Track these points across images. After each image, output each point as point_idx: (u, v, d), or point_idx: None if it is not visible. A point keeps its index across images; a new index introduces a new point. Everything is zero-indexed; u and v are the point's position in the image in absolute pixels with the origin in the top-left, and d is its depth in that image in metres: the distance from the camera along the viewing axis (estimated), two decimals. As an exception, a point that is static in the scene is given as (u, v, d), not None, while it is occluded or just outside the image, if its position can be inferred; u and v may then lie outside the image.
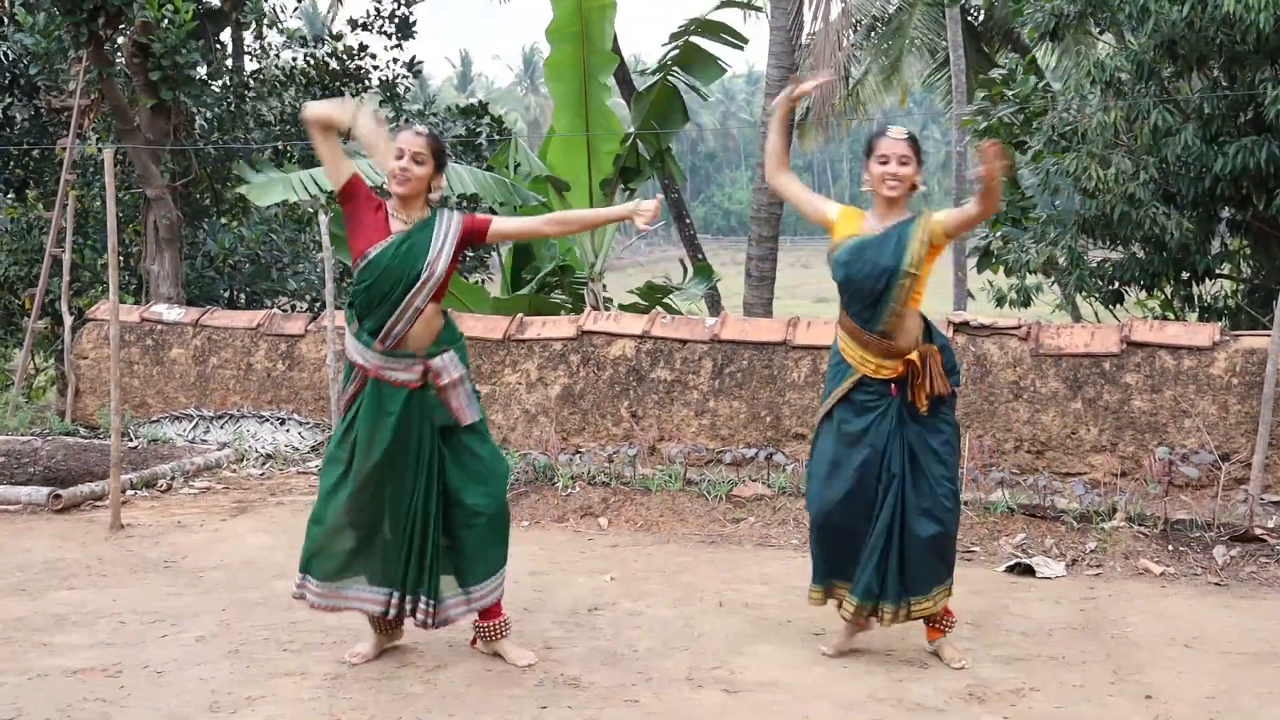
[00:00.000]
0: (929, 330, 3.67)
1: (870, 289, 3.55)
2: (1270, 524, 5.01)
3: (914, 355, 3.54)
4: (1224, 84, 7.09)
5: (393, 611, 3.53)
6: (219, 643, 3.82)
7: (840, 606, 3.68)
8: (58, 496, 5.81)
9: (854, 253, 3.58)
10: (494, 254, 12.07)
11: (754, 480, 5.86)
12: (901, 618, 3.58)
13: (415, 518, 3.52)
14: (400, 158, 3.49)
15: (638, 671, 3.55)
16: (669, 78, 10.03)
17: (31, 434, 7.60)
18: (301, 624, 3.92)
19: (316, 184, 8.19)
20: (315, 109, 3.55)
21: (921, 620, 3.64)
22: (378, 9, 12.16)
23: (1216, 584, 4.55)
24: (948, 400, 3.65)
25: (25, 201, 10.19)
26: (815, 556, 3.72)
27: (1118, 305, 8.15)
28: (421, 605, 3.53)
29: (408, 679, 3.47)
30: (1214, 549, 4.84)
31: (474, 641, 3.72)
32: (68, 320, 8.16)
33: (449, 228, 3.57)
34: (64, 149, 8.89)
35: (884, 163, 3.59)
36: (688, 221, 14.88)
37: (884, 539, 3.56)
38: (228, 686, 3.41)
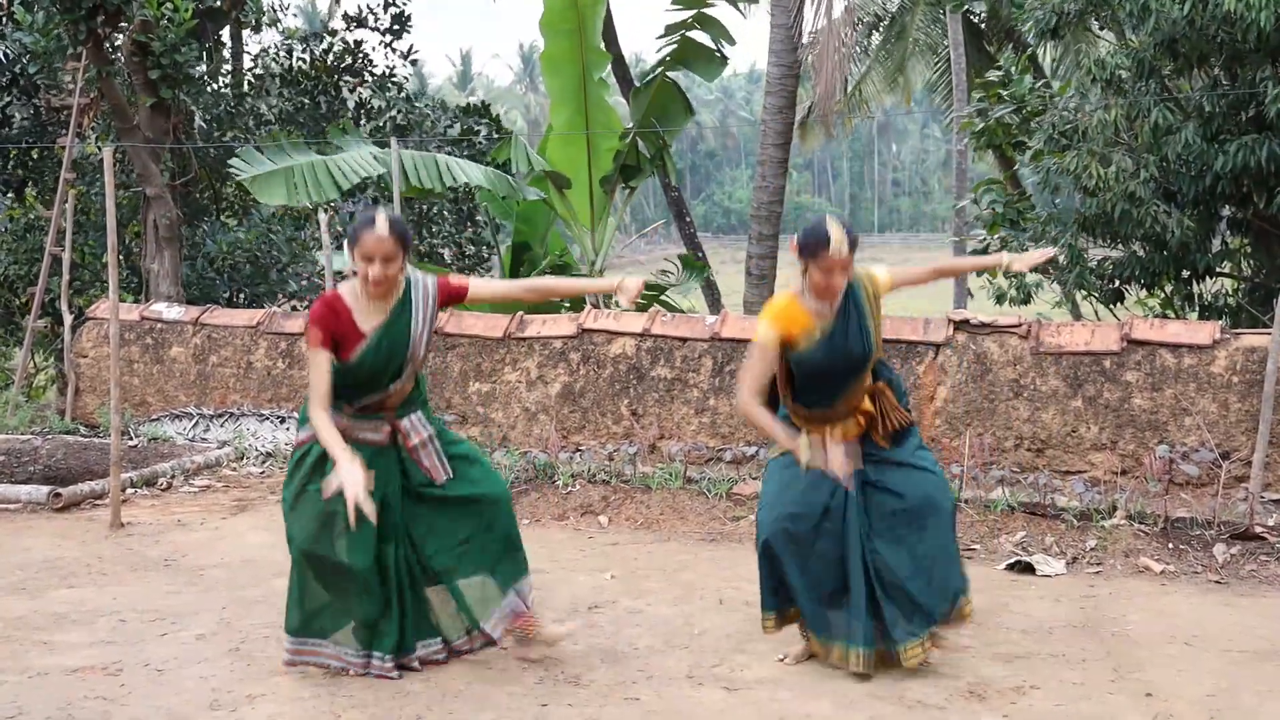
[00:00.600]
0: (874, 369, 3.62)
1: (842, 372, 3.50)
2: (1270, 522, 5.01)
3: (866, 404, 3.54)
4: (1224, 82, 7.09)
5: (390, 672, 3.46)
6: (219, 640, 3.82)
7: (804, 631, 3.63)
8: (58, 495, 5.81)
9: (827, 351, 3.45)
10: (494, 254, 12.07)
11: (754, 478, 5.86)
12: (926, 648, 3.48)
13: (400, 577, 3.47)
14: (370, 261, 3.27)
15: (638, 669, 3.55)
16: (667, 74, 10.02)
17: (31, 433, 7.60)
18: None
19: (317, 178, 8.17)
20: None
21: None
22: (369, 6, 12.17)
23: (1217, 582, 4.55)
24: (907, 430, 3.62)
25: (24, 201, 10.19)
26: (763, 582, 3.64)
27: (1118, 304, 8.15)
28: (459, 642, 3.55)
29: (408, 677, 3.47)
30: (1214, 547, 4.84)
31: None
32: (67, 319, 8.16)
33: (427, 303, 3.43)
34: (63, 148, 8.90)
35: (828, 273, 3.38)
36: (688, 220, 14.89)
37: (865, 584, 3.49)
38: (228, 684, 3.42)
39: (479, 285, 3.64)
